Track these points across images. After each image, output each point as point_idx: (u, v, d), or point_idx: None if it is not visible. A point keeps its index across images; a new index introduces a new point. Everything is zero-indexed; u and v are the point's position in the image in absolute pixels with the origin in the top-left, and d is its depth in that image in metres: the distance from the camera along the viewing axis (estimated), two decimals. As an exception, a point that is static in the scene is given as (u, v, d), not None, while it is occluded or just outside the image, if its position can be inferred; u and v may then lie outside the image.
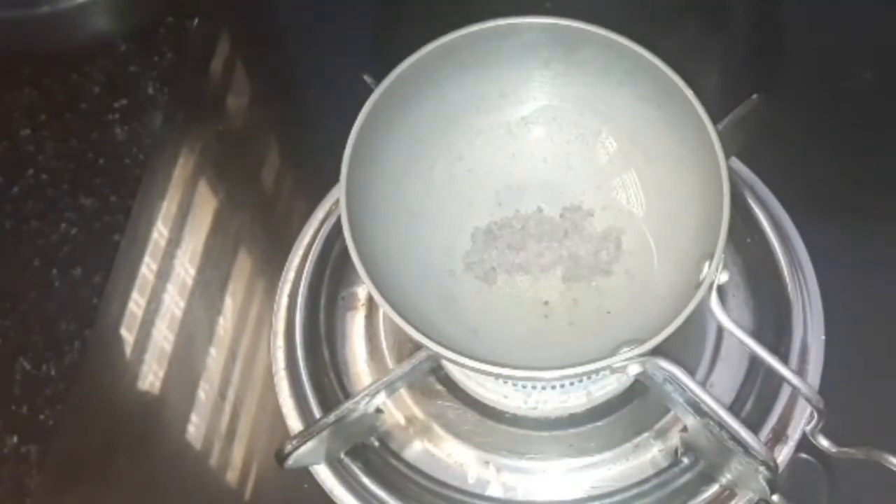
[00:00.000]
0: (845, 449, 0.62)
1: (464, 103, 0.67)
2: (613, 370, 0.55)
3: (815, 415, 0.60)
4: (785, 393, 0.63)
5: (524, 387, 0.64)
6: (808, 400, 0.59)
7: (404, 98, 0.63)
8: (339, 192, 0.59)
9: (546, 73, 0.67)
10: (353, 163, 0.59)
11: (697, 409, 0.57)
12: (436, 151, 0.67)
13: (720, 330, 0.67)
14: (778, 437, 0.63)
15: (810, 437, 0.62)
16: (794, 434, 0.62)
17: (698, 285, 0.56)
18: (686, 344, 0.65)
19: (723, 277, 0.56)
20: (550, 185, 0.69)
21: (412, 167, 0.66)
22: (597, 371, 0.54)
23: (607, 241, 0.67)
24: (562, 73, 0.66)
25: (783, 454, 0.62)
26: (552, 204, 0.69)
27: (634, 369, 0.56)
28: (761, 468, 0.54)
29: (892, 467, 0.59)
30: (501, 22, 0.63)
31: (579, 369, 0.54)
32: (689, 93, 0.60)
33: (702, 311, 0.57)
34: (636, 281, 0.66)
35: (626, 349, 0.55)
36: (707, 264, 0.56)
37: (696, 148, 0.60)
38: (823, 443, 0.62)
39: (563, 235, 0.67)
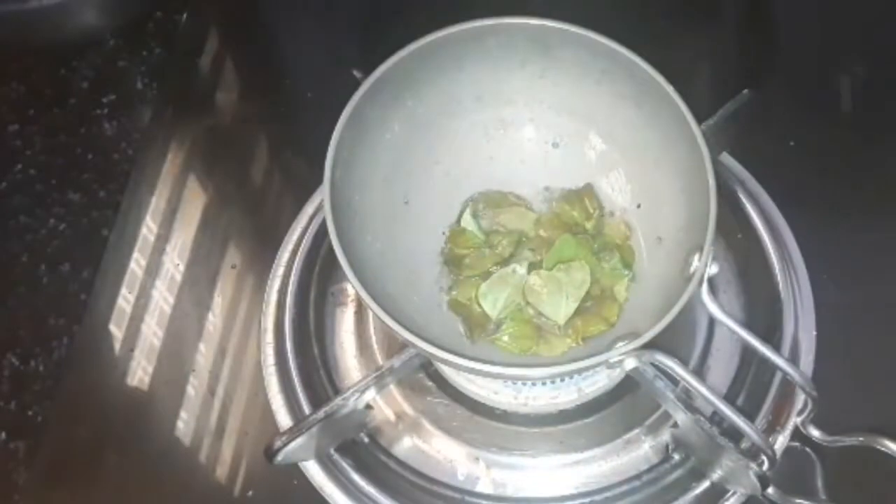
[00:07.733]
0: (836, 437, 0.62)
1: (440, 107, 0.66)
2: (610, 365, 0.55)
3: (809, 403, 0.60)
4: (777, 385, 0.63)
5: (514, 383, 0.64)
6: (801, 388, 0.59)
7: (381, 104, 0.62)
8: (322, 197, 0.58)
9: (522, 74, 0.66)
10: (335, 170, 0.58)
11: (688, 405, 0.57)
12: (413, 156, 0.66)
13: (711, 325, 0.67)
14: (772, 427, 0.63)
15: (801, 428, 0.63)
16: (787, 424, 0.63)
17: (689, 278, 0.56)
18: (678, 340, 0.65)
19: (713, 269, 0.56)
20: (529, 186, 0.69)
21: (391, 172, 0.65)
22: (594, 366, 0.54)
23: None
24: (538, 74, 0.66)
25: (778, 444, 0.62)
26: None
27: (630, 363, 0.55)
28: (752, 464, 0.55)
29: (885, 450, 0.60)
30: (476, 24, 0.62)
31: (577, 365, 0.54)
32: (669, 88, 0.59)
33: (693, 305, 0.56)
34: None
35: (621, 344, 0.54)
36: (697, 257, 0.56)
37: (681, 143, 0.60)
38: (815, 433, 0.62)
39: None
